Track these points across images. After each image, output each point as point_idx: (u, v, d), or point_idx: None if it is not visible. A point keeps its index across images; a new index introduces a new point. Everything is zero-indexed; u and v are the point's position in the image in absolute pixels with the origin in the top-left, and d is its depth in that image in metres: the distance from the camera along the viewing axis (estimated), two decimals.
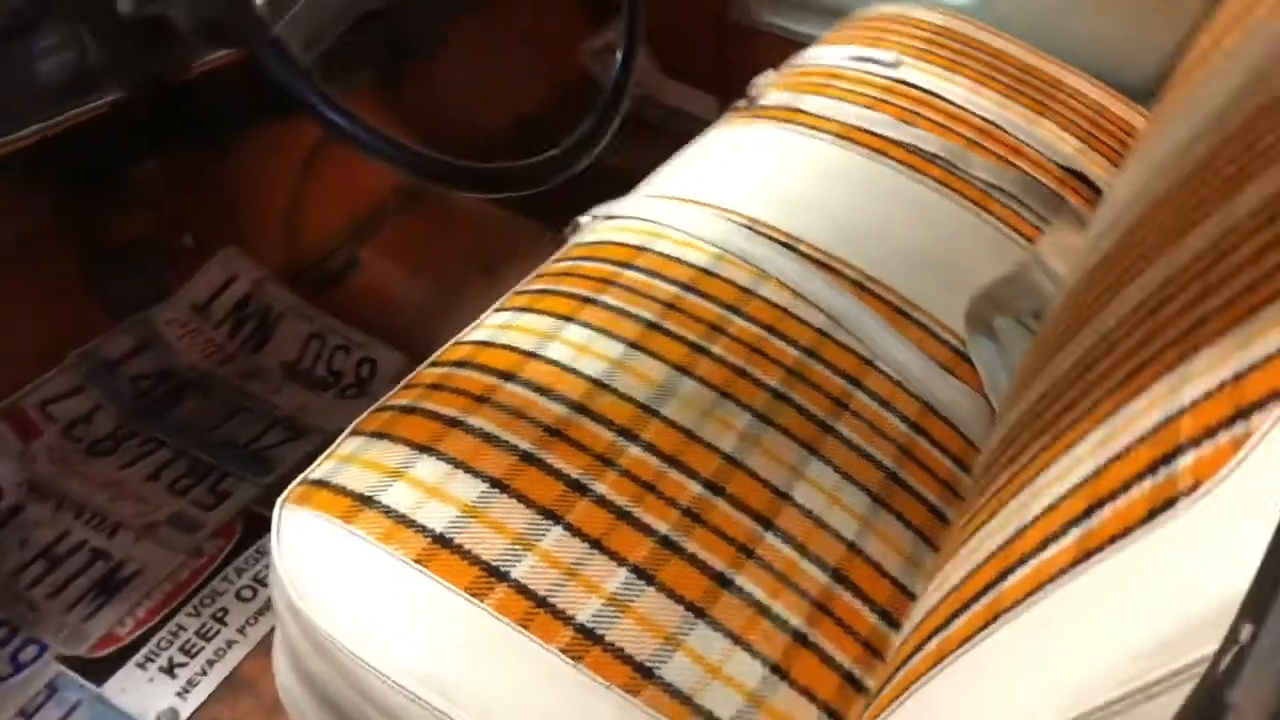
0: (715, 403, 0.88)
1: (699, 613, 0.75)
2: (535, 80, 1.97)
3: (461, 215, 1.64)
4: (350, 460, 0.82)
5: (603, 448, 0.82)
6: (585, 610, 0.73)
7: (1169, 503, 0.45)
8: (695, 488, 0.82)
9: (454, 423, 0.83)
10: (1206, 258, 0.63)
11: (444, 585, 0.73)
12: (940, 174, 1.17)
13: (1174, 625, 0.41)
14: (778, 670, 0.74)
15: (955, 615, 0.58)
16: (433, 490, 0.78)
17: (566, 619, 0.72)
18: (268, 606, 1.11)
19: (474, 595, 0.73)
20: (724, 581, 0.77)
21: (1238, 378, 0.48)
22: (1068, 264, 1.07)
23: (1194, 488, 0.45)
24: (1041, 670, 0.47)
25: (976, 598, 0.56)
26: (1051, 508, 0.55)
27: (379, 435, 0.83)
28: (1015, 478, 0.65)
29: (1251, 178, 0.66)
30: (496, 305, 0.98)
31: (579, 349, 0.90)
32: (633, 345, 0.91)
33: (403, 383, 0.90)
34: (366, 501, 0.77)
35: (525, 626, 0.72)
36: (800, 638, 0.76)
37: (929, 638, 0.60)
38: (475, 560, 0.74)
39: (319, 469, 0.82)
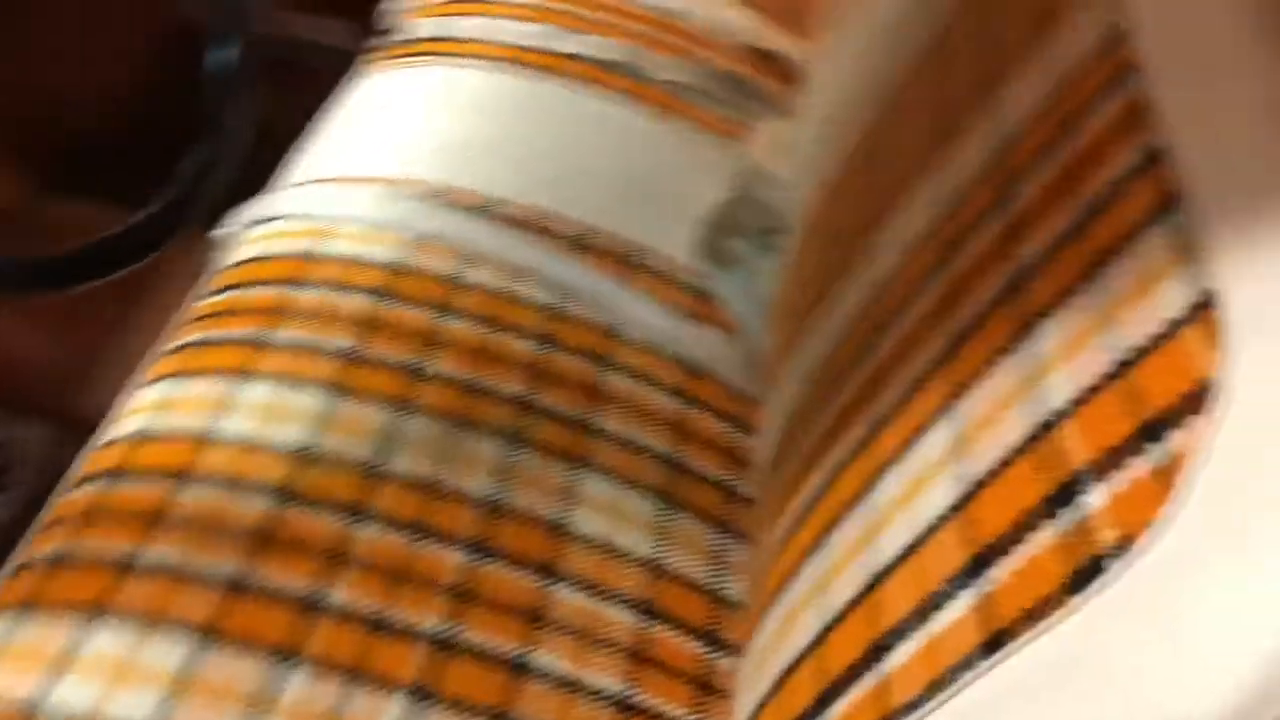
0: (452, 438, 0.72)
1: (501, 717, 0.61)
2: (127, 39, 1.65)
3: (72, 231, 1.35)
4: None
5: (328, 542, 0.65)
6: None
7: (1094, 563, 0.35)
8: (456, 556, 0.67)
9: (126, 564, 0.63)
10: (993, 180, 0.52)
11: None
12: (627, 84, 1.04)
13: None
14: None
15: (825, 704, 0.46)
16: (119, 671, 0.59)
17: None
18: None
19: None
20: (520, 668, 0.63)
21: (1125, 367, 0.38)
22: (788, 162, 0.97)
23: (1123, 543, 0.34)
24: None
25: (848, 682, 0.45)
26: (916, 549, 0.44)
27: (26, 609, 0.63)
28: (834, 487, 0.54)
29: (1004, 74, 0.56)
30: (149, 375, 0.77)
31: (265, 413, 0.72)
32: (332, 389, 0.73)
33: (41, 522, 0.69)
34: (30, 710, 0.58)
35: None
36: (624, 705, 0.63)
37: None
38: None
39: None
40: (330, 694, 0.59)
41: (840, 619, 0.48)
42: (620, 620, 0.67)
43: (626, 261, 0.87)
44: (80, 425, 1.05)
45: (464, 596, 0.65)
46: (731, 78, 1.09)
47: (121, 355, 1.05)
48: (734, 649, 0.68)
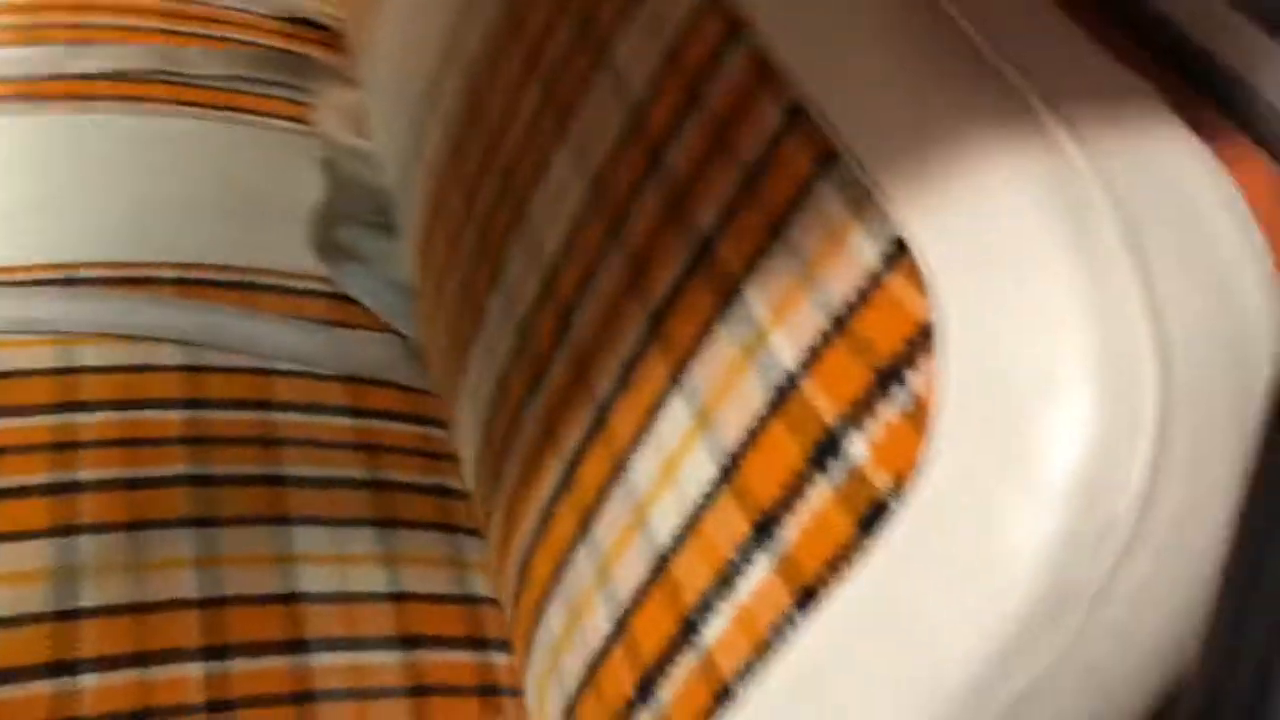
0: (135, 545, 0.65)
1: None
2: None
3: None
4: None
5: (47, 713, 0.58)
6: None
7: (877, 506, 0.39)
8: (195, 670, 0.61)
9: None
10: (638, 146, 0.54)
11: None
12: (167, 91, 0.94)
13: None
14: None
15: (649, 688, 0.48)
16: None
17: None
18: None
19: None
20: None
21: (841, 321, 0.41)
22: (364, 133, 0.94)
23: (899, 482, 0.38)
24: None
25: (667, 662, 0.47)
26: (695, 524, 0.47)
27: None
28: (579, 476, 0.55)
29: (610, 32, 0.58)
30: None
31: None
32: None
33: None
34: None
35: None
36: None
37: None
38: None
39: None
40: None
41: (638, 603, 0.50)
42: (386, 663, 0.65)
43: (249, 288, 0.81)
44: None
45: (222, 708, 0.60)
46: (277, 56, 1.02)
47: None
48: (501, 644, 0.69)
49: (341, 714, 0.62)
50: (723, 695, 0.44)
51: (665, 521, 0.48)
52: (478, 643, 0.68)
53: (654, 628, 0.48)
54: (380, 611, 0.67)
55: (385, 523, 0.72)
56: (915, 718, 0.36)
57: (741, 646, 0.43)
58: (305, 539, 0.69)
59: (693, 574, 0.46)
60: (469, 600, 0.70)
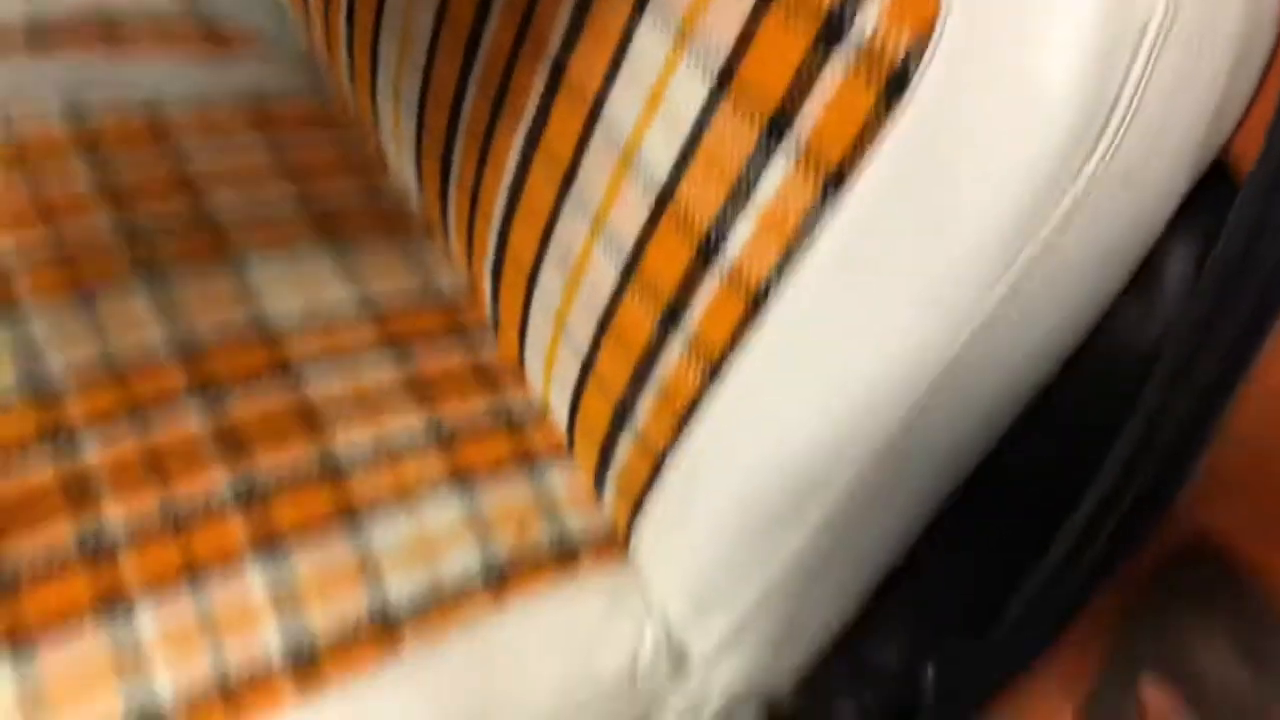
0: (88, 309, 0.63)
1: (351, 516, 0.59)
2: None
3: None
4: None
5: (57, 483, 0.57)
6: (270, 642, 0.55)
7: (899, 75, 0.39)
8: (193, 415, 0.60)
9: None
10: None
11: None
12: None
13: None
14: (460, 480, 0.62)
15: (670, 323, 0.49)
16: None
17: (267, 668, 0.54)
18: None
19: None
20: (333, 469, 0.61)
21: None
22: None
23: (918, 45, 0.38)
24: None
25: (692, 287, 0.48)
26: (696, 145, 0.46)
27: None
28: (548, 131, 0.54)
29: None
30: None
31: None
32: None
33: None
34: None
35: None
36: (440, 434, 0.64)
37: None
38: None
39: None
40: (184, 607, 0.55)
41: (644, 243, 0.50)
42: (380, 368, 0.65)
43: (110, 35, 0.74)
44: None
45: (232, 444, 0.60)
46: None
47: None
48: (483, 327, 0.69)
49: (351, 423, 0.62)
50: (756, 299, 0.45)
51: (659, 154, 0.48)
52: (460, 332, 0.68)
53: (669, 260, 0.49)
54: (357, 324, 0.66)
55: (332, 238, 0.70)
56: (983, 239, 0.37)
57: (770, 250, 0.44)
58: (259, 270, 0.67)
59: (703, 197, 0.46)
60: (436, 297, 0.70)
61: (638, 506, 0.57)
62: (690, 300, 0.48)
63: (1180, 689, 0.46)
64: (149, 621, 0.54)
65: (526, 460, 0.64)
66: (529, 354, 0.63)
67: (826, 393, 0.44)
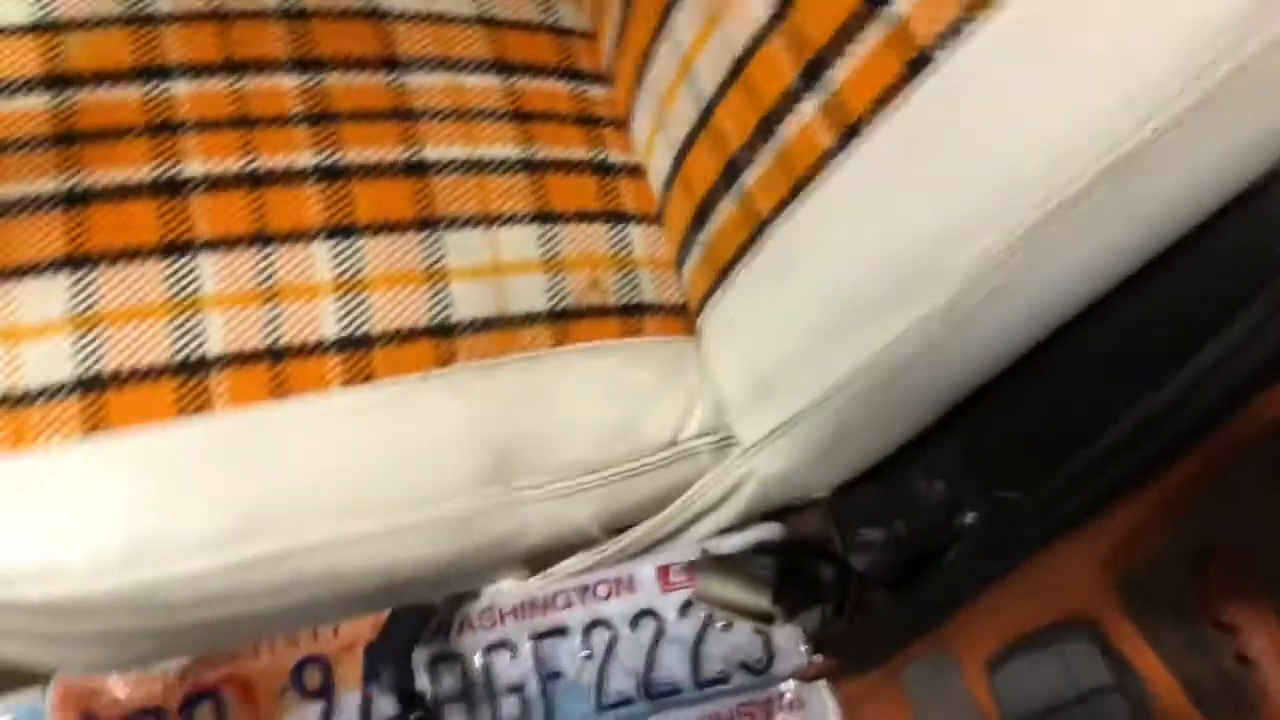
0: None
1: (430, 224, 0.57)
2: None
3: None
4: None
5: (144, 115, 0.55)
6: (325, 323, 0.54)
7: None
8: (289, 80, 0.58)
9: None
10: None
11: (149, 431, 0.50)
12: None
13: None
14: (543, 216, 0.60)
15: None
16: (6, 336, 0.50)
17: (318, 348, 0.53)
18: None
19: (196, 411, 0.51)
20: (418, 168, 0.58)
21: None
22: None
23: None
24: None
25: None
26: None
27: None
28: None
29: None
30: None
31: None
32: None
33: None
34: None
35: (285, 394, 0.52)
36: (531, 165, 0.61)
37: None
38: (155, 373, 0.51)
39: None
40: (249, 266, 0.53)
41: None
42: (484, 85, 0.62)
43: None
44: None
45: (323, 119, 0.58)
46: None
47: None
48: (594, 77, 0.66)
49: (445, 131, 0.60)
50: (917, 61, 0.42)
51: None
52: (571, 73, 0.65)
53: (830, 4, 0.45)
54: (470, 35, 0.63)
55: None
56: (1185, 39, 0.34)
57: (946, 6, 0.41)
58: None
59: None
60: (559, 30, 0.66)
61: (722, 275, 0.55)
62: (843, 52, 0.45)
63: (1252, 562, 0.45)
64: (210, 272, 0.53)
65: (613, 213, 0.62)
66: (640, 104, 0.60)
67: (967, 173, 0.41)
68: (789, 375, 0.53)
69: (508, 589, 0.69)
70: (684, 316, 0.61)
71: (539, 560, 0.64)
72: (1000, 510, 0.56)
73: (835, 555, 0.62)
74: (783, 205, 0.49)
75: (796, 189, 0.48)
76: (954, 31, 0.40)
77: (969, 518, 0.59)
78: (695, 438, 0.59)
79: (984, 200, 0.41)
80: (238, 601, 0.52)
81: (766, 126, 0.49)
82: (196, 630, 0.55)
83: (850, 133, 0.45)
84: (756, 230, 0.51)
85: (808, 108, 0.47)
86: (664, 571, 0.61)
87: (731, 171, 0.52)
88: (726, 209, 0.53)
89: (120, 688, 0.72)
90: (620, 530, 0.61)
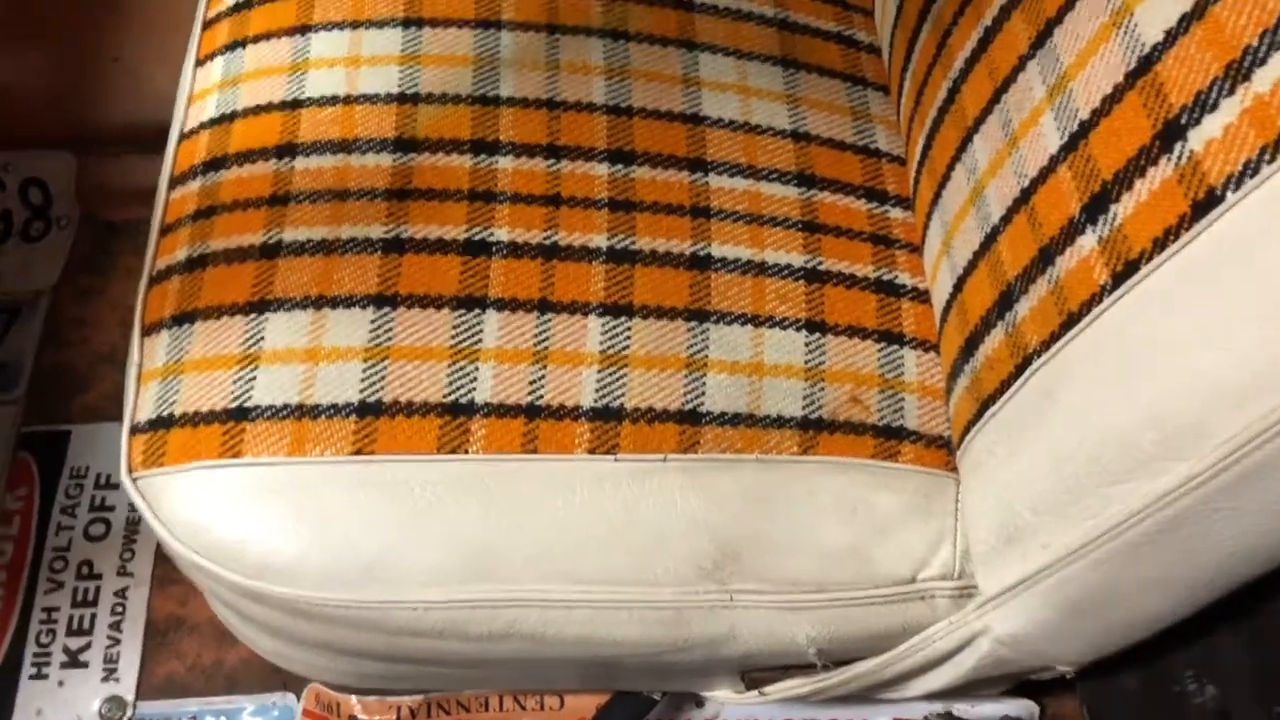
0: (551, 46, 0.66)
1: (700, 316, 0.59)
2: None
3: None
4: (174, 372, 0.58)
5: (468, 182, 0.61)
6: (584, 391, 0.56)
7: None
8: (601, 168, 0.62)
9: (269, 251, 0.59)
10: None
11: (409, 461, 0.54)
12: None
13: None
14: (814, 325, 0.60)
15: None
16: (309, 354, 0.56)
17: (572, 413, 0.56)
18: (135, 531, 0.88)
19: (452, 451, 0.55)
20: (701, 262, 0.60)
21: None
22: None
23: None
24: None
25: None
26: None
27: (184, 318, 0.59)
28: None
29: None
30: (199, 53, 0.69)
31: (347, 65, 0.64)
32: (408, 21, 0.66)
33: (154, 228, 0.64)
34: (240, 416, 0.55)
35: (534, 450, 0.55)
36: (813, 274, 0.61)
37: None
38: (425, 410, 0.55)
39: (143, 404, 0.58)
40: (528, 329, 0.57)
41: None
42: (782, 195, 0.64)
43: None
44: (100, 139, 0.98)
45: (624, 207, 0.61)
46: None
47: (119, 63, 0.96)
48: (898, 200, 0.66)
49: (735, 232, 0.61)
50: (1205, 202, 0.39)
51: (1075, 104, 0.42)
52: (874, 194, 0.65)
53: (1125, 132, 0.43)
54: (780, 147, 0.65)
55: (791, 62, 0.69)
56: None
57: (1246, 143, 0.37)
58: (709, 66, 0.67)
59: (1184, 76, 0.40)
60: (870, 152, 0.67)
61: (983, 408, 0.52)
62: (1130, 185, 0.42)
63: None
64: (493, 328, 0.57)
65: (888, 333, 0.61)
66: (931, 229, 0.59)
67: (1257, 324, 0.37)
68: (1040, 522, 0.49)
69: (725, 698, 0.68)
70: (947, 450, 0.59)
71: (751, 673, 0.62)
72: None
73: None
74: (1052, 340, 0.46)
75: (1067, 324, 0.45)
76: (1250, 172, 0.37)
77: None
78: (935, 579, 0.56)
79: (1273, 356, 0.37)
80: (454, 640, 0.55)
81: (1045, 257, 0.47)
82: (413, 660, 0.58)
83: (1128, 270, 0.42)
84: (1022, 363, 0.49)
85: (1087, 241, 0.44)
86: None
87: (1005, 301, 0.50)
88: (996, 338, 0.51)
89: (360, 709, 0.77)
90: (840, 662, 0.59)
